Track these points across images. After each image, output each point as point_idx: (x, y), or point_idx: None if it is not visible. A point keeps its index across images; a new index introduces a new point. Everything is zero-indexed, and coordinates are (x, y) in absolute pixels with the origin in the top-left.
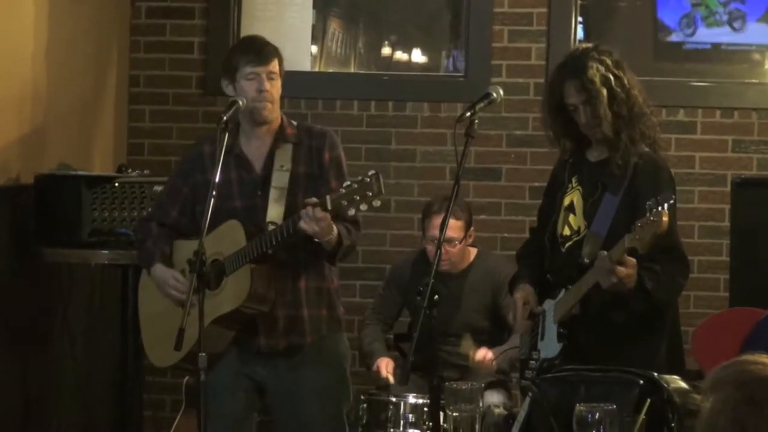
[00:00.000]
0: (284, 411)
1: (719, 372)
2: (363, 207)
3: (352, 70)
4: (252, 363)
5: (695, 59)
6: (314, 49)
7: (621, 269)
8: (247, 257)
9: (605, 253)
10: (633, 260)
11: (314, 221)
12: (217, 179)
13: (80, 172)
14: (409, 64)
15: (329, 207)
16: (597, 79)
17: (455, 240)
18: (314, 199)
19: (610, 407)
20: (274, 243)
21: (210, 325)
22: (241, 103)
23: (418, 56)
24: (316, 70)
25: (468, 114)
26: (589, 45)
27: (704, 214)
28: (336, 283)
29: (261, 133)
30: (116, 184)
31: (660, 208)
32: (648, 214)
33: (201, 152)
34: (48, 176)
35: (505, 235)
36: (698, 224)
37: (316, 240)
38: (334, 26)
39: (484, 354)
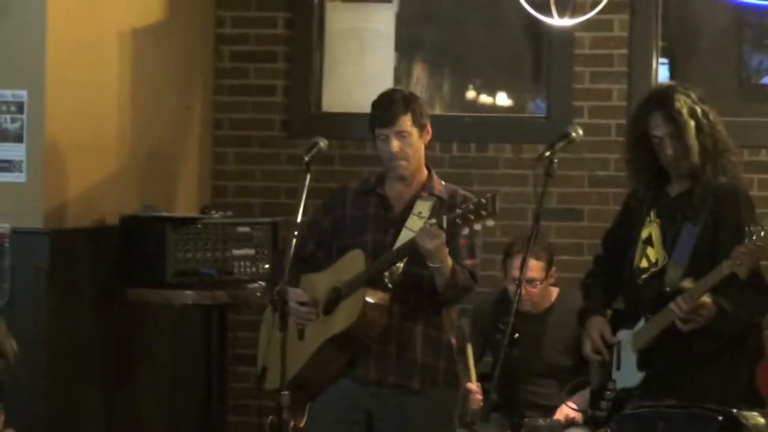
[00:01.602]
0: None
1: None
2: (477, 226)
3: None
4: (361, 394)
5: None
6: None
7: (705, 300)
8: (363, 280)
9: (673, 304)
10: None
11: (429, 237)
12: (348, 212)
13: (164, 214)
14: (493, 107)
15: (445, 225)
16: (685, 110)
17: (536, 280)
18: (432, 219)
19: None
20: (389, 263)
21: (319, 350)
22: (322, 144)
23: (502, 99)
24: None
25: (547, 153)
26: (672, 82)
27: None
28: (454, 339)
29: (406, 183)
30: (200, 225)
31: (763, 233)
32: (752, 238)
33: (346, 188)
34: (133, 217)
35: None
36: None
37: (429, 264)
38: (418, 70)
39: (566, 413)
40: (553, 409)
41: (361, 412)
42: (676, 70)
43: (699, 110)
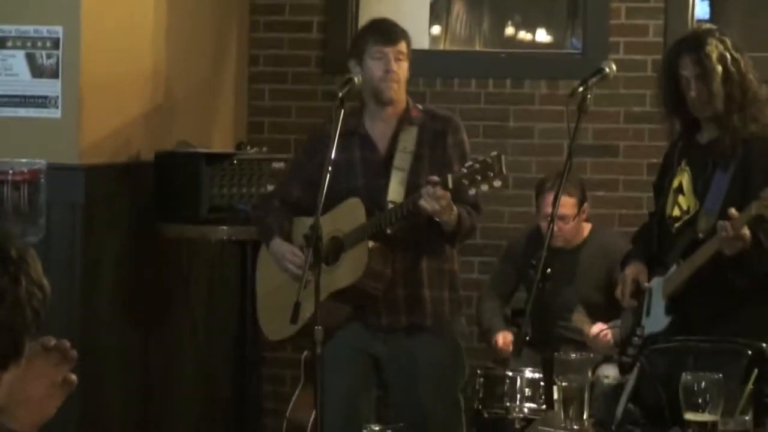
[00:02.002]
0: (399, 386)
1: None
2: (484, 187)
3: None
4: (372, 339)
5: None
6: (437, 29)
7: (744, 232)
8: (365, 234)
9: (725, 222)
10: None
11: (435, 199)
12: (333, 156)
13: (199, 150)
14: (530, 43)
15: (450, 186)
16: (714, 56)
17: (568, 217)
18: (435, 178)
19: (716, 376)
20: (393, 221)
21: (326, 300)
22: (356, 80)
23: (540, 36)
24: (438, 48)
25: (580, 89)
26: (713, 26)
27: None
28: (456, 265)
29: (386, 115)
30: (234, 161)
31: None
32: None
33: (328, 131)
34: (168, 153)
35: (623, 211)
36: None
37: (436, 220)
38: (458, 6)
39: (599, 329)
40: (584, 345)
41: (370, 355)
42: (717, 6)
43: (729, 57)
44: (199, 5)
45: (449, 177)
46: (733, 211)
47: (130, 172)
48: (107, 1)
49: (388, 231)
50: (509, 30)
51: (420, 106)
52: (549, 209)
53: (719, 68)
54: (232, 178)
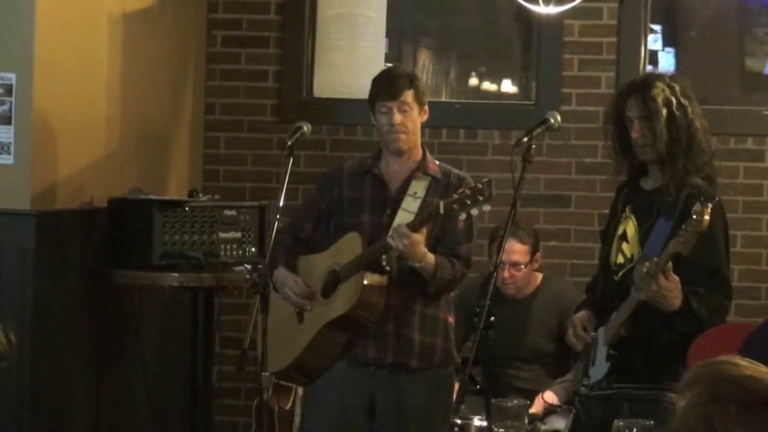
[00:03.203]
0: (386, 424)
1: (693, 371)
2: (474, 211)
3: (444, 99)
4: (359, 375)
5: None
6: None
7: (663, 279)
8: (361, 264)
9: (647, 263)
10: (676, 278)
11: (400, 238)
12: (345, 193)
13: (151, 197)
14: (482, 93)
15: (441, 211)
16: (660, 98)
17: (521, 264)
18: (405, 221)
19: (647, 423)
20: (386, 251)
21: (319, 334)
22: (305, 128)
23: (492, 86)
24: None
25: (525, 139)
26: (664, 72)
27: None
28: (452, 318)
29: (402, 160)
30: (186, 209)
31: (702, 207)
32: (692, 216)
33: (341, 169)
34: (121, 200)
35: (575, 261)
36: (766, 251)
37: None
38: (424, 57)
39: (551, 397)
40: (536, 393)
41: (363, 395)
42: (681, 58)
43: (675, 101)
44: (154, 53)
45: (441, 203)
46: (647, 263)
47: (82, 218)
48: (61, 47)
49: (385, 265)
50: (460, 80)
51: (437, 162)
52: (503, 256)
53: (664, 111)
54: (184, 225)
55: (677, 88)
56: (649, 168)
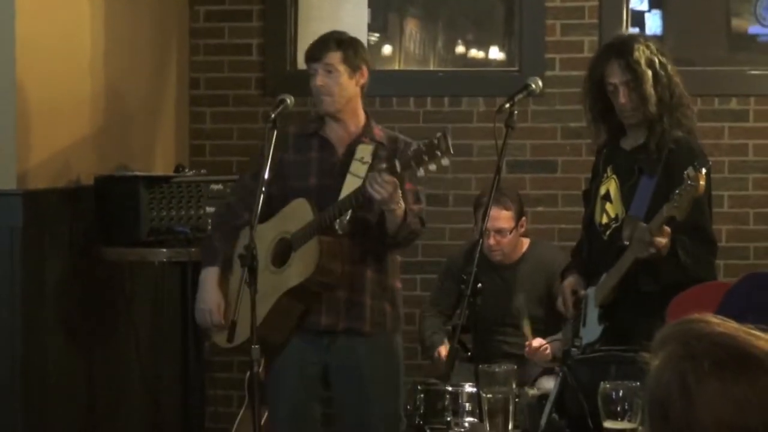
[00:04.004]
0: (342, 390)
1: (666, 330)
2: (432, 167)
3: (431, 68)
4: (313, 346)
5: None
6: (389, 48)
7: (660, 239)
8: (314, 230)
9: (644, 225)
10: (668, 229)
11: (382, 186)
12: (290, 157)
13: (137, 173)
14: (466, 61)
15: (398, 169)
16: (643, 60)
17: (506, 230)
18: (382, 165)
19: (634, 384)
20: (342, 212)
21: (276, 305)
22: (289, 101)
23: (475, 53)
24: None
25: (507, 105)
26: (634, 32)
27: (759, 201)
28: (399, 284)
29: (346, 125)
30: (173, 184)
31: (697, 172)
32: (686, 180)
33: (286, 133)
34: (107, 177)
35: (563, 226)
36: (753, 211)
37: (382, 220)
38: (411, 26)
39: (539, 343)
40: (526, 360)
41: (316, 365)
42: (667, 19)
43: (657, 61)
44: (137, 29)
45: (397, 161)
46: (644, 225)
47: (69, 196)
48: (42, 26)
49: (338, 229)
50: (460, 48)
51: (382, 128)
52: (487, 223)
53: (649, 72)
54: (171, 201)
55: (653, 46)
56: (628, 128)
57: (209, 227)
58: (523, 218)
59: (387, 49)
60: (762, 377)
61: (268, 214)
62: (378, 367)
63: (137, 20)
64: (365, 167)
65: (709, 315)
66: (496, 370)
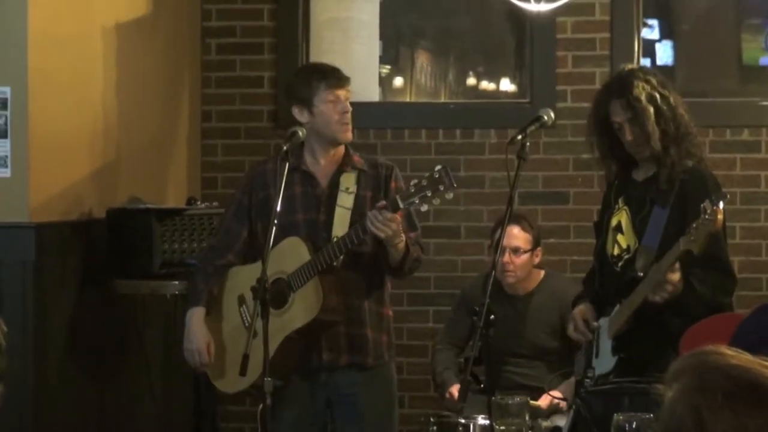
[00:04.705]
0: (345, 419)
1: (680, 362)
2: (436, 201)
3: (441, 100)
4: (310, 381)
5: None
6: (400, 81)
7: (672, 276)
8: (314, 270)
9: (657, 264)
10: (677, 265)
11: (384, 224)
12: (278, 207)
13: (150, 206)
14: (478, 93)
15: (401, 206)
16: (643, 97)
17: (521, 250)
18: (383, 202)
19: (647, 416)
20: (342, 251)
21: (280, 346)
22: (301, 133)
23: (487, 85)
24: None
25: (519, 137)
26: (634, 66)
27: None
28: (390, 312)
29: (328, 156)
30: (185, 217)
31: (714, 207)
32: (702, 215)
33: (264, 169)
34: (119, 210)
35: (575, 257)
36: (765, 242)
37: (384, 243)
38: (422, 59)
39: (549, 400)
40: (540, 390)
41: (317, 401)
42: (678, 50)
43: (658, 95)
44: (149, 63)
45: (398, 198)
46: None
47: (81, 229)
48: (54, 60)
49: (335, 264)
50: (471, 81)
51: (359, 155)
52: (505, 241)
53: (651, 108)
54: (183, 234)
55: (654, 80)
56: (640, 160)
57: (196, 265)
58: (539, 248)
59: (398, 82)
60: None
61: (251, 254)
62: (377, 396)
63: (149, 53)
64: (351, 197)
65: (723, 346)
66: (509, 402)
